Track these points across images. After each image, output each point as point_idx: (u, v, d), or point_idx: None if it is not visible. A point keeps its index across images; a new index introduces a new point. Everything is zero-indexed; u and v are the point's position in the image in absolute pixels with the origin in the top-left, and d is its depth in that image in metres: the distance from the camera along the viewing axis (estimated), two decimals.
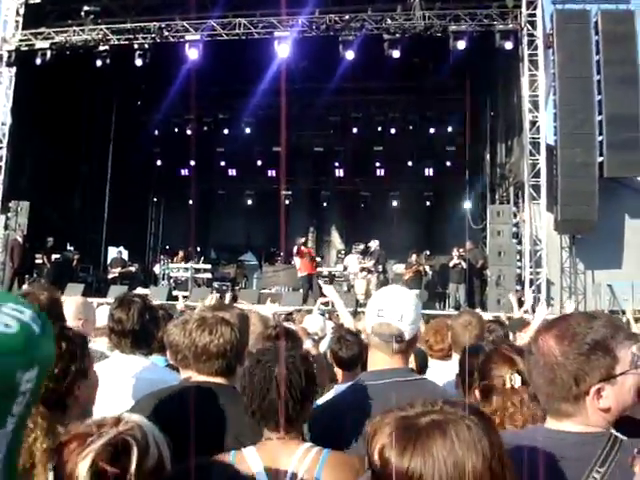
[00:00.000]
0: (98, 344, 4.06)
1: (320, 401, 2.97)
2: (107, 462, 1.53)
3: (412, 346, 2.74)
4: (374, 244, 19.93)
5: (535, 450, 1.82)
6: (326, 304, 10.86)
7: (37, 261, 19.73)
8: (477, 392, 2.54)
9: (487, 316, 13.19)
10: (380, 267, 19.48)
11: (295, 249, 19.45)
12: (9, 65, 19.50)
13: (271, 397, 2.18)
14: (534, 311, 15.50)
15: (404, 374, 2.58)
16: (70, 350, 2.22)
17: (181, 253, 22.29)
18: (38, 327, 1.04)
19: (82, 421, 1.92)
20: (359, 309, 15.40)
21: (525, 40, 17.41)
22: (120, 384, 3.27)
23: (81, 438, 1.58)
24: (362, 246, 21.31)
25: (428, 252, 22.54)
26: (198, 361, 2.58)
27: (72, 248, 21.24)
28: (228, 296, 11.53)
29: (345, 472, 2.15)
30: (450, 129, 24.79)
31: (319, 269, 22.20)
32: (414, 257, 20.14)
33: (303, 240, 20.65)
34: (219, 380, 2.58)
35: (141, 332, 3.46)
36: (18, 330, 1.00)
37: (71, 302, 4.21)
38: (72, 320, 3.63)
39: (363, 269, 19.43)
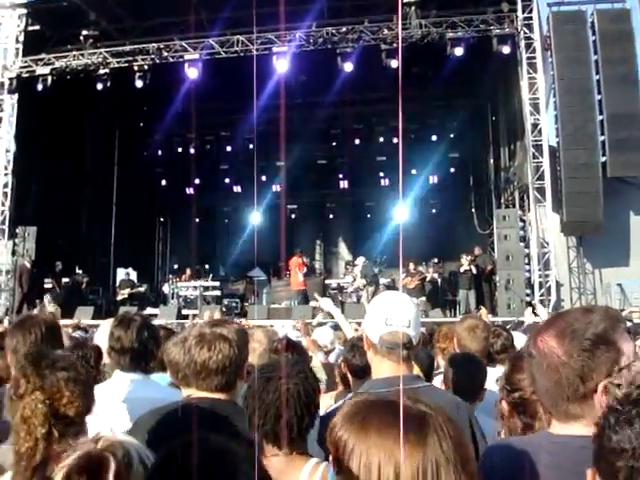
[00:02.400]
0: None
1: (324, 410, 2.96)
2: (81, 476, 1.49)
3: (416, 352, 2.73)
4: (360, 261, 20.25)
5: (539, 456, 1.81)
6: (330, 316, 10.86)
7: (46, 285, 19.82)
8: (505, 404, 2.42)
9: (497, 321, 13.17)
10: (370, 281, 19.71)
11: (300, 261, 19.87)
12: (11, 92, 19.66)
13: (287, 416, 2.18)
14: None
15: (412, 381, 2.56)
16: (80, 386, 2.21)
17: (189, 271, 22.35)
18: None
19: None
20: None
21: (522, 43, 17.43)
22: (119, 403, 3.26)
23: (59, 455, 1.56)
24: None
25: (436, 260, 22.54)
26: (197, 378, 2.57)
27: (80, 271, 21.32)
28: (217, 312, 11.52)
29: None
30: (452, 136, 24.78)
31: (327, 281, 22.28)
32: (412, 266, 20.20)
33: (299, 251, 20.81)
34: (219, 396, 2.57)
35: (140, 350, 3.45)
36: None
37: (106, 325, 4.21)
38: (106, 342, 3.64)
39: (358, 288, 19.70)
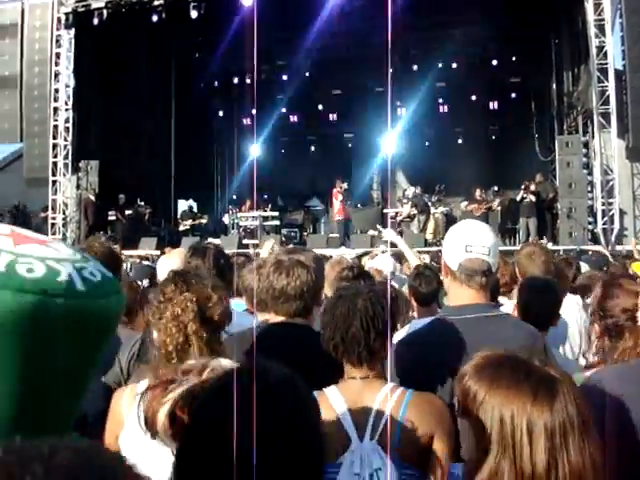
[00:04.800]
0: None
1: (397, 336, 3.03)
2: (185, 410, 1.54)
3: (493, 280, 2.76)
4: (410, 191, 20.13)
5: None
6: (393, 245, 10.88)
7: (110, 218, 20.29)
8: (597, 327, 2.46)
9: (559, 249, 13.04)
10: (421, 210, 19.69)
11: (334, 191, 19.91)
12: (67, 27, 19.81)
13: (354, 329, 2.21)
14: (607, 243, 15.24)
15: (488, 309, 2.58)
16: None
17: (248, 202, 22.55)
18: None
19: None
20: (427, 248, 15.42)
21: None
22: None
23: (164, 384, 1.60)
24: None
25: (496, 188, 22.23)
26: (276, 303, 2.66)
27: (143, 203, 21.73)
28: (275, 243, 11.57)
29: (430, 412, 2.18)
30: (514, 59, 24.00)
31: (385, 210, 22.26)
32: (478, 192, 20.01)
33: (344, 184, 20.75)
34: (297, 320, 2.67)
35: (219, 277, 3.56)
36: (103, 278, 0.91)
37: (175, 254, 4.33)
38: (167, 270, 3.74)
39: (402, 220, 19.68)
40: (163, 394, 1.59)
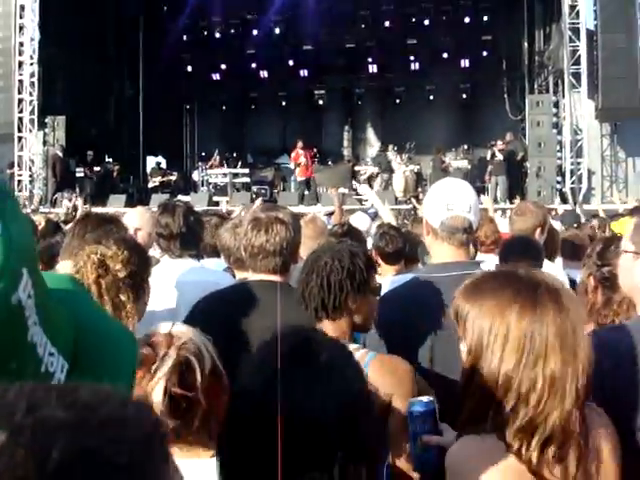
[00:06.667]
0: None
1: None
2: (177, 385, 1.59)
3: (474, 237, 2.78)
4: (373, 150, 20.38)
5: None
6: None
7: (78, 175, 19.98)
8: (592, 279, 2.53)
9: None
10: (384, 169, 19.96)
11: (293, 155, 19.92)
12: None
13: (313, 284, 2.23)
14: (575, 202, 15.43)
15: (472, 267, 2.57)
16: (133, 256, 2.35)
17: (218, 158, 22.36)
18: None
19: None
20: (397, 206, 15.47)
21: None
22: (172, 287, 3.38)
23: (145, 364, 1.60)
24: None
25: (466, 146, 22.30)
26: (254, 260, 2.66)
27: (111, 160, 21.43)
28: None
29: (390, 373, 2.19)
30: (485, 18, 23.85)
31: (357, 168, 22.26)
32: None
33: (300, 144, 20.71)
34: (276, 278, 2.67)
35: (188, 234, 3.56)
36: None
37: (132, 212, 4.32)
38: (131, 230, 3.74)
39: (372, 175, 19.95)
40: (150, 375, 1.60)
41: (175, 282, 3.41)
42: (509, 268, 1.61)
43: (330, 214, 8.63)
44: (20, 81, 19.66)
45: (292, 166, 20.98)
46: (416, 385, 2.18)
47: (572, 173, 16.84)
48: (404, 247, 4.34)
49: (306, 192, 20.04)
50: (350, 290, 2.23)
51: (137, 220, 4.07)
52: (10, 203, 0.80)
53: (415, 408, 1.79)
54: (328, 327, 2.16)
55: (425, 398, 1.83)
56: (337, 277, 2.23)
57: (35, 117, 19.83)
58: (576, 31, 16.65)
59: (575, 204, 15.87)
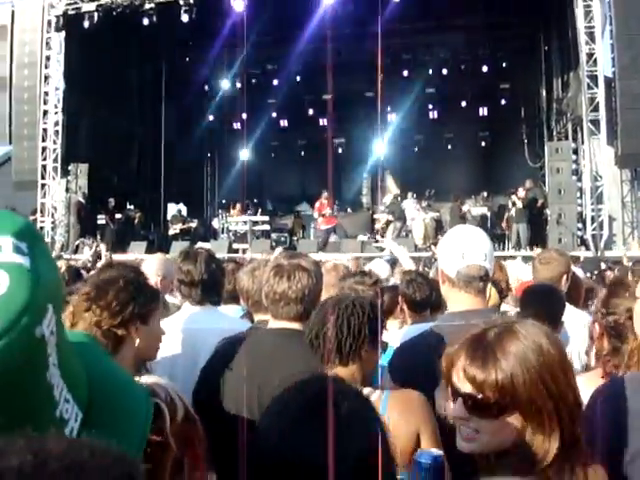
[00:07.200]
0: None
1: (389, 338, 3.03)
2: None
3: (489, 284, 2.78)
4: (388, 198, 20.44)
5: None
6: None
7: (100, 222, 20.19)
8: (597, 327, 2.50)
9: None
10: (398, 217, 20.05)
11: (317, 205, 19.97)
12: (58, 30, 19.74)
13: (328, 328, 2.25)
14: (597, 249, 15.33)
15: (488, 314, 2.57)
16: (129, 290, 2.37)
17: (238, 206, 22.53)
18: (25, 257, 0.78)
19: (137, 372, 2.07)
20: (417, 254, 15.43)
21: None
22: (192, 334, 3.38)
23: None
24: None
25: (485, 194, 22.30)
26: (276, 307, 2.65)
27: (132, 207, 21.65)
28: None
29: (411, 408, 2.22)
30: (504, 66, 24.08)
31: (376, 215, 22.32)
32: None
33: (325, 194, 20.80)
34: (295, 325, 2.66)
35: (210, 281, 3.57)
36: (8, 285, 0.75)
37: (152, 259, 4.35)
38: (152, 277, 3.76)
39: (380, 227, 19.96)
40: None
41: (196, 329, 3.41)
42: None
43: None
44: (44, 129, 20.11)
45: (315, 215, 20.93)
46: (433, 414, 2.21)
47: (593, 220, 16.74)
48: (431, 295, 4.31)
49: (331, 239, 19.94)
50: (367, 336, 2.24)
51: (155, 267, 4.11)
52: (40, 244, 0.84)
53: (424, 459, 1.76)
54: (340, 373, 2.15)
55: (435, 451, 1.81)
56: (357, 321, 2.24)
57: (58, 165, 20.21)
58: (594, 78, 16.72)
59: (597, 251, 15.76)
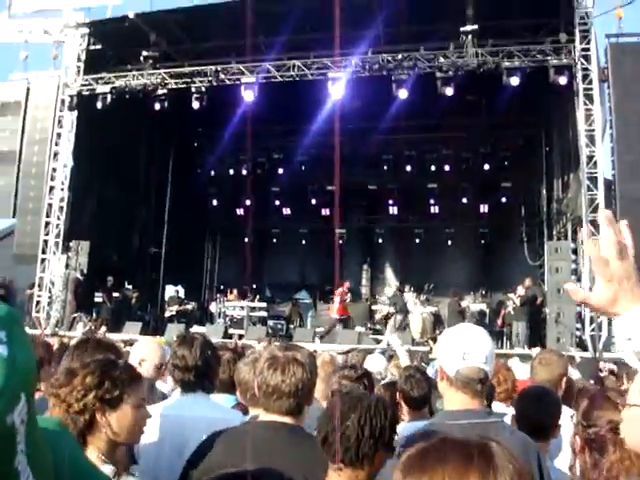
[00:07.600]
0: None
1: None
2: None
3: (488, 386, 2.75)
4: (390, 291, 20.39)
5: None
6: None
7: (97, 299, 20.13)
8: (578, 439, 2.37)
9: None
10: (399, 310, 19.94)
11: (339, 291, 19.88)
12: (71, 109, 20.18)
13: (349, 427, 2.17)
14: (595, 350, 15.19)
15: (483, 415, 2.56)
16: (97, 374, 2.35)
17: (236, 291, 22.51)
18: (3, 345, 0.81)
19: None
20: (414, 347, 15.30)
21: (580, 75, 17.19)
22: (181, 422, 3.30)
23: None
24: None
25: (483, 291, 22.33)
26: (268, 400, 2.59)
27: (130, 287, 21.62)
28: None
29: None
30: (505, 164, 24.52)
31: (374, 307, 22.28)
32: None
33: (347, 284, 20.82)
34: (287, 420, 2.58)
35: (203, 368, 3.52)
36: None
37: (139, 344, 4.30)
38: (136, 361, 3.74)
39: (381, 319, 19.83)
40: None
41: (185, 416, 3.33)
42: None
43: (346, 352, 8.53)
44: (50, 204, 20.30)
45: (336, 300, 20.47)
46: None
47: (592, 320, 16.65)
48: (429, 392, 4.24)
49: (339, 329, 19.71)
50: (386, 439, 2.19)
51: (143, 351, 4.06)
52: (18, 329, 0.87)
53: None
54: (344, 476, 2.08)
55: None
56: (380, 422, 2.19)
57: (60, 240, 20.31)
58: (594, 180, 16.95)
59: (595, 352, 15.60)
